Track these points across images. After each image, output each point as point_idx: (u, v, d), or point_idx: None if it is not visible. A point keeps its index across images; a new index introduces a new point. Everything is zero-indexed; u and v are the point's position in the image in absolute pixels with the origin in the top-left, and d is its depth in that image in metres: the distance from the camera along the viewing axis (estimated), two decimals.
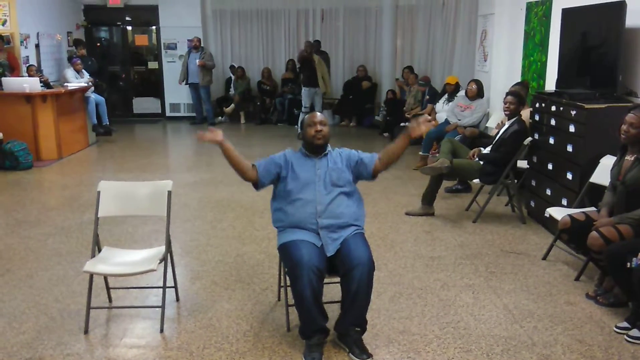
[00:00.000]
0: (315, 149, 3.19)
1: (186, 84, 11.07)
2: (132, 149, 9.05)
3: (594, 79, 4.87)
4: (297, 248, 2.94)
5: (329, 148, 3.25)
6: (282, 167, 3.18)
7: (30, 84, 7.73)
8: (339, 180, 3.15)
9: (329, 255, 3.01)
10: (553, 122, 4.83)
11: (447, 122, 7.28)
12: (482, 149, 5.43)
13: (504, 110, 5.34)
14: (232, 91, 11.54)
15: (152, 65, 12.17)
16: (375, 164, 3.22)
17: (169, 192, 3.36)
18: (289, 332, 3.23)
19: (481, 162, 5.23)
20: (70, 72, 9.21)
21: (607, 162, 3.98)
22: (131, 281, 3.76)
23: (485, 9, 8.65)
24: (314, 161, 3.19)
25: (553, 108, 4.83)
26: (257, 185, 3.22)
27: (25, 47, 9.07)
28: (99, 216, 3.37)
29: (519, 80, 6.76)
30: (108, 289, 3.60)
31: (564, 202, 4.57)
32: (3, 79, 7.78)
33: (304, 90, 9.73)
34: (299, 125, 9.10)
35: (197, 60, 10.73)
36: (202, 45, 10.99)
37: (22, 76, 8.43)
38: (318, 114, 3.26)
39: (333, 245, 3.02)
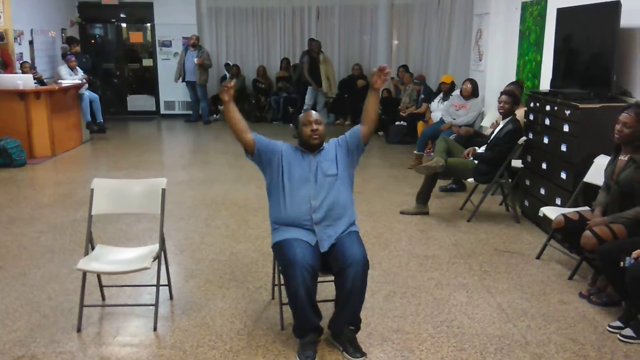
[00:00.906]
0: (311, 147, 3.18)
1: (182, 81, 11.05)
2: (126, 147, 9.01)
3: (589, 78, 4.88)
4: (291, 247, 2.93)
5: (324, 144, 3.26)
6: (277, 149, 3.18)
7: (23, 81, 7.70)
8: (329, 169, 3.15)
9: (323, 251, 3.01)
10: (547, 121, 4.83)
11: (442, 121, 7.28)
12: (476, 148, 5.44)
13: (499, 110, 5.34)
14: None
15: (147, 62, 12.15)
16: (361, 130, 3.22)
17: (163, 190, 3.35)
18: (282, 330, 3.23)
19: (476, 162, 5.24)
20: (64, 69, 9.16)
21: (601, 162, 3.99)
22: (124, 279, 3.74)
23: (480, 8, 8.67)
24: (309, 158, 3.18)
25: (547, 107, 4.84)
26: (253, 148, 3.16)
27: (19, 44, 9.03)
28: (92, 214, 3.36)
29: (514, 80, 6.77)
30: (101, 286, 3.58)
31: (558, 201, 4.58)
32: None
33: (309, 89, 9.83)
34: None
35: (195, 59, 10.70)
36: (199, 43, 10.96)
37: (16, 73, 8.39)
38: (313, 112, 3.25)
39: (328, 241, 3.03)
